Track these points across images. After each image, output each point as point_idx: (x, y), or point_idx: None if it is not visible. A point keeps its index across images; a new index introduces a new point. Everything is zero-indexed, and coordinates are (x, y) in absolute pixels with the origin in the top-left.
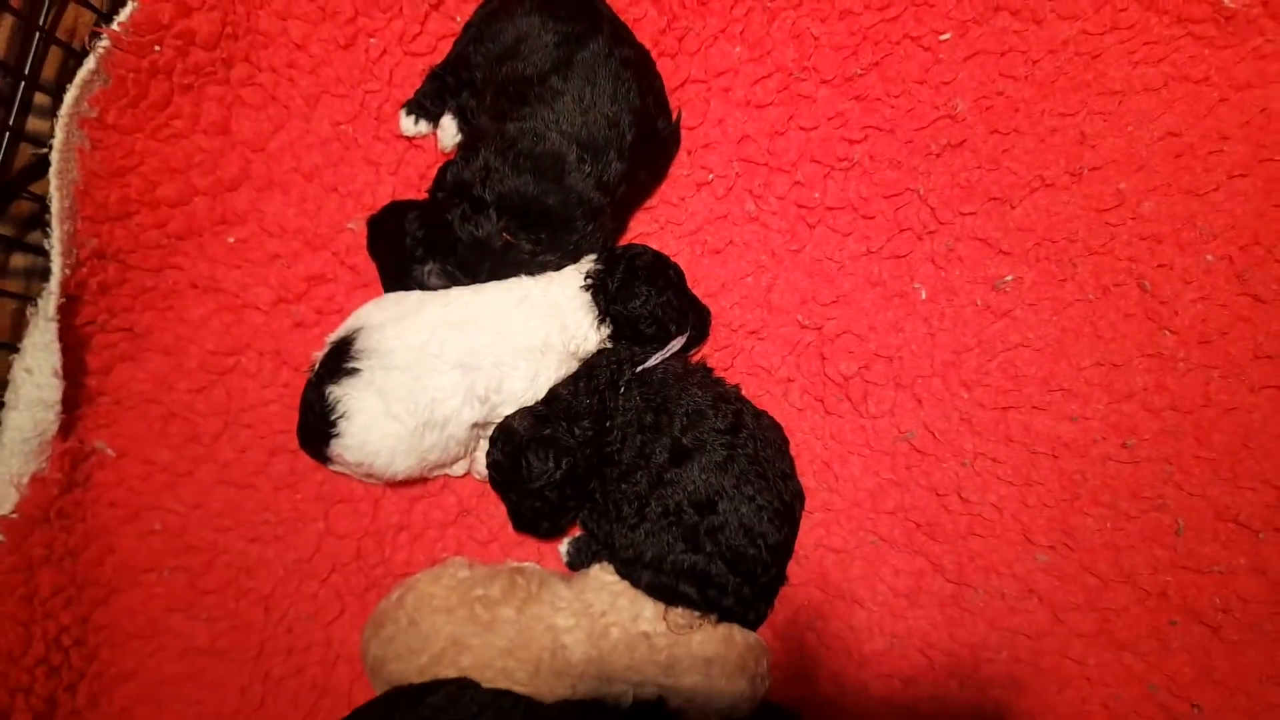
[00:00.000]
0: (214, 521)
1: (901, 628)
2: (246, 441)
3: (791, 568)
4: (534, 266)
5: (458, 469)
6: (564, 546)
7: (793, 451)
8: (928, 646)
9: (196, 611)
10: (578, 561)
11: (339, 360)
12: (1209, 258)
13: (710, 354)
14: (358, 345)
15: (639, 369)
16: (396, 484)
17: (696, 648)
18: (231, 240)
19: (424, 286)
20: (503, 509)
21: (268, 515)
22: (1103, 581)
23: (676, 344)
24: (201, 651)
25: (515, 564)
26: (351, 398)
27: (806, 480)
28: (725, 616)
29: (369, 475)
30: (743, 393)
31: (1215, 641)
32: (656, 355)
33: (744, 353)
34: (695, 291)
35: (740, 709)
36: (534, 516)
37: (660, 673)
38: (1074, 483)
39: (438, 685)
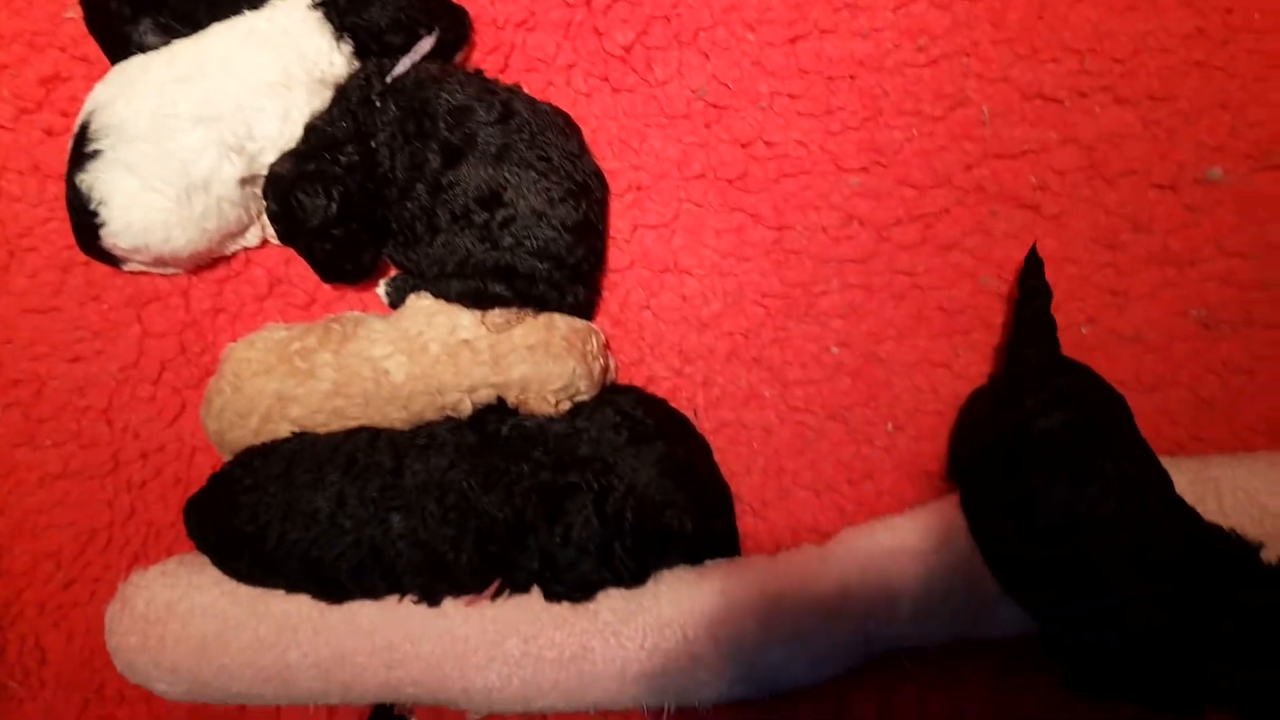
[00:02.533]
0: (28, 351)
1: (733, 285)
2: (35, 265)
3: (614, 254)
4: None
5: (251, 238)
6: (381, 288)
7: (589, 137)
8: (762, 296)
9: (40, 441)
10: (398, 299)
11: (80, 148)
12: None
13: (482, 59)
14: (93, 126)
15: (390, 78)
16: (197, 270)
17: (519, 339)
18: None
19: (144, 48)
20: (309, 277)
21: (81, 332)
22: (919, 190)
23: (426, 45)
24: (58, 477)
25: (332, 316)
26: (102, 181)
27: (609, 163)
28: (543, 305)
29: (159, 261)
30: (525, 90)
31: (1037, 220)
32: (405, 60)
33: (517, 49)
34: None
35: (579, 388)
36: (331, 260)
37: (489, 372)
38: (875, 99)
39: (286, 439)
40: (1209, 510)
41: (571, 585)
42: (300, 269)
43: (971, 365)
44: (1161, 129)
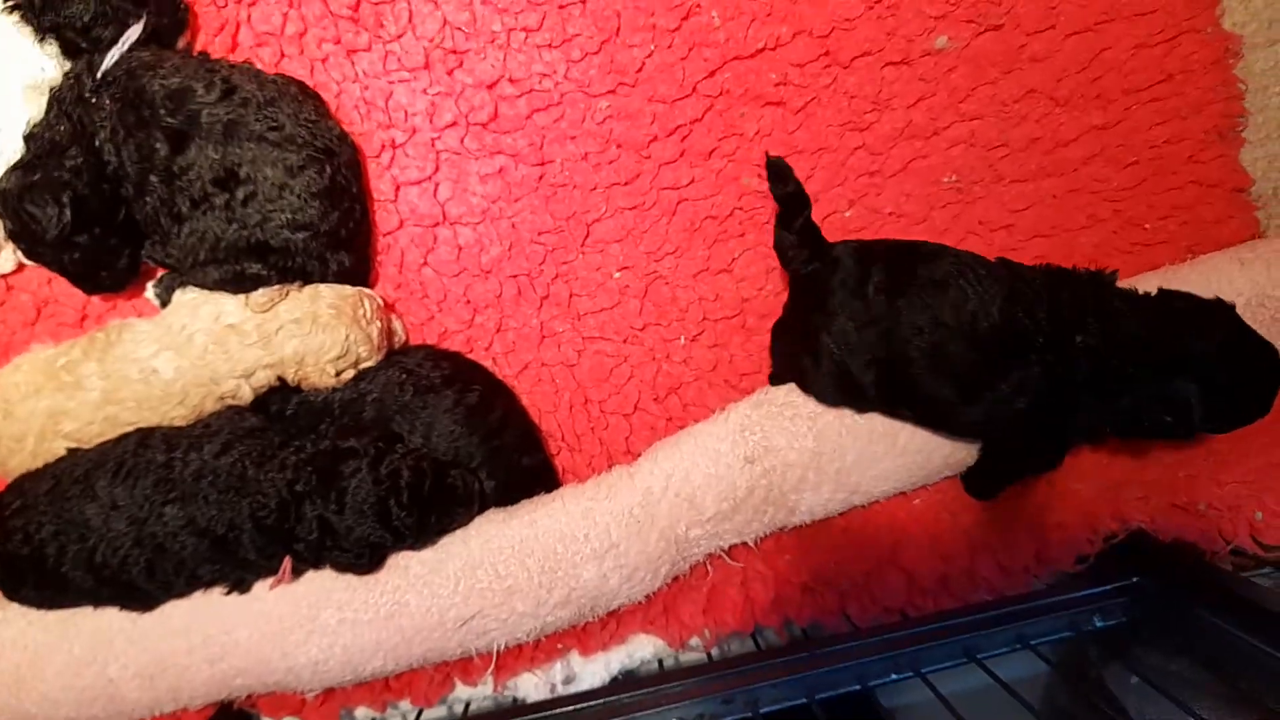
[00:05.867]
0: None
1: (507, 227)
2: None
3: (381, 216)
4: None
5: (4, 263)
6: (150, 291)
7: (332, 102)
8: (538, 234)
9: None
10: (168, 298)
11: None
12: None
13: (209, 41)
14: None
15: (101, 73)
16: None
17: (285, 315)
18: None
19: None
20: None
21: None
22: (668, 104)
23: (133, 34)
24: None
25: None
26: None
27: (358, 125)
28: (308, 277)
29: None
30: (259, 65)
31: (785, 115)
32: (113, 51)
33: (243, 25)
34: None
35: (358, 354)
36: (86, 270)
37: (261, 354)
38: (610, 19)
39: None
40: None
41: (354, 551)
42: (65, 288)
43: (751, 265)
44: (884, 7)
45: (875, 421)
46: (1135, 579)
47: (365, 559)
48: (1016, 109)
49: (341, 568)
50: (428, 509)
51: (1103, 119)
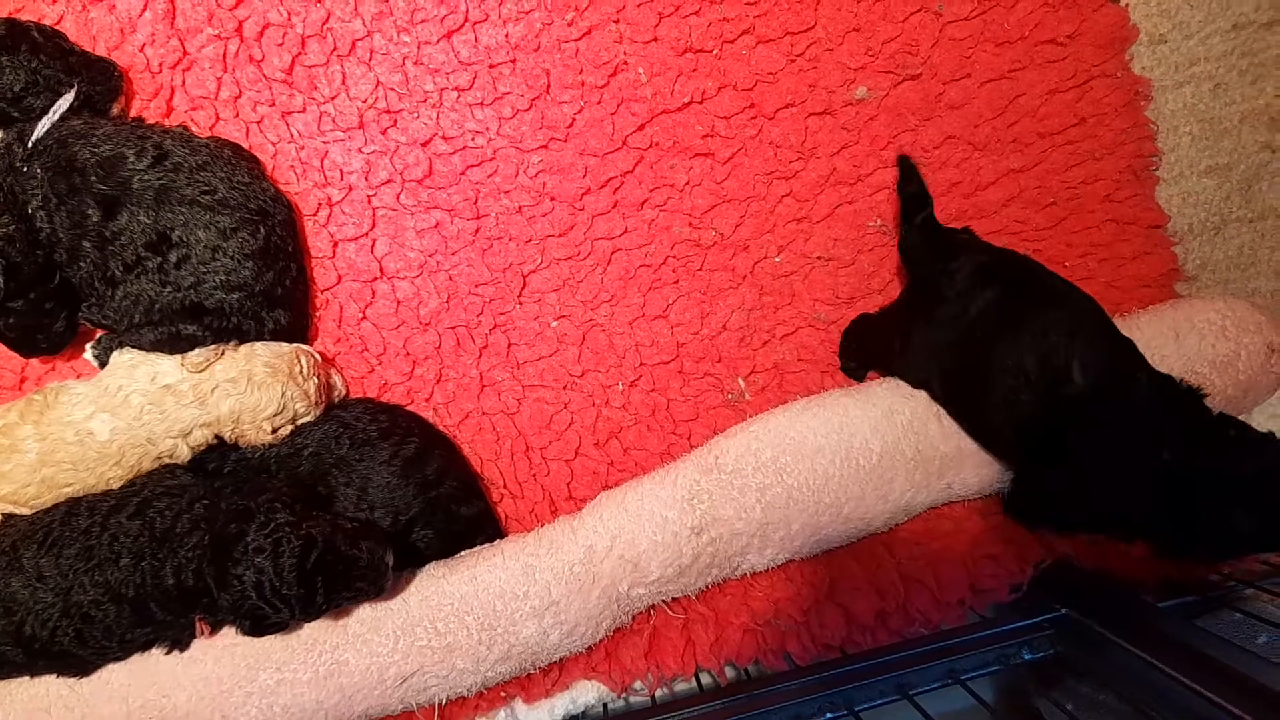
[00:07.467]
0: None
1: (444, 281)
2: None
3: (320, 273)
4: None
5: None
6: (89, 352)
7: (269, 162)
8: (475, 285)
9: None
10: (107, 358)
11: None
12: None
13: (144, 107)
14: None
15: (31, 142)
16: None
17: (220, 375)
18: None
19: None
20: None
21: None
22: (599, 158)
23: (63, 104)
24: None
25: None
26: None
27: (295, 185)
28: (245, 336)
29: None
30: (191, 130)
31: (714, 166)
32: (44, 121)
33: (178, 90)
34: (89, 46)
35: (296, 410)
36: (21, 335)
37: (197, 413)
38: (539, 77)
39: None
40: None
41: (236, 617)
42: (4, 351)
43: (685, 311)
44: (806, 60)
45: (823, 494)
46: (1062, 611)
47: (247, 626)
48: (936, 155)
49: (248, 632)
50: (313, 581)
51: (1020, 162)
